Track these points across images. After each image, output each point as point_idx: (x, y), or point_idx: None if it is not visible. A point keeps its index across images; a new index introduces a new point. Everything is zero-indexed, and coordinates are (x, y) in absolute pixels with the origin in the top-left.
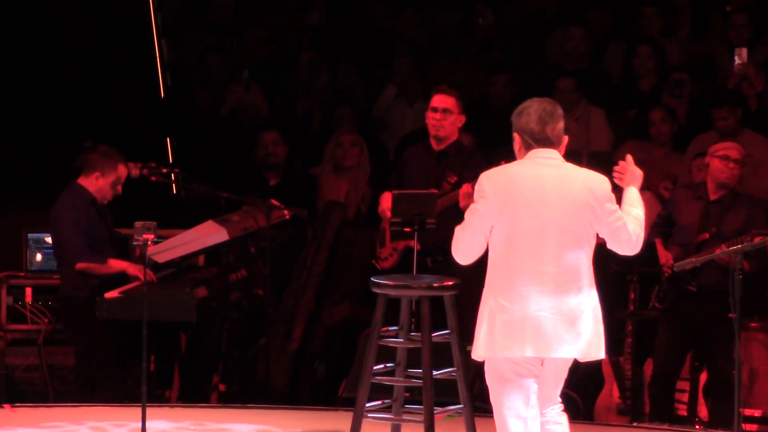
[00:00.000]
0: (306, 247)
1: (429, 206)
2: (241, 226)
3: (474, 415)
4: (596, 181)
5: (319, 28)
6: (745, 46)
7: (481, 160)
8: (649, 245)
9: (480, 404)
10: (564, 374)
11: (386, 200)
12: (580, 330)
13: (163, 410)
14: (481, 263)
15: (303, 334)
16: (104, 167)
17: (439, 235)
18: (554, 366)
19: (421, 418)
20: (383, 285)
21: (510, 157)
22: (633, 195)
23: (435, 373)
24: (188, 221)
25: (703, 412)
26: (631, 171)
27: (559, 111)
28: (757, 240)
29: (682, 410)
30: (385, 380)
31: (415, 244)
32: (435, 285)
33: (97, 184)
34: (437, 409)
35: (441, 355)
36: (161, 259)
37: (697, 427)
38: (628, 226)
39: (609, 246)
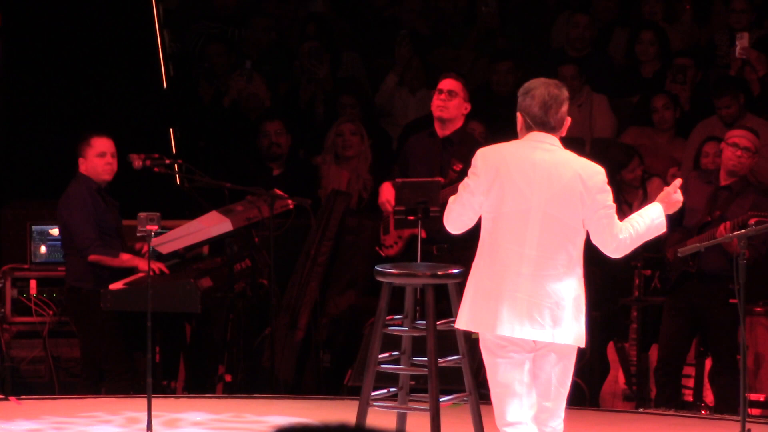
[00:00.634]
0: (310, 236)
1: (433, 194)
2: (245, 216)
3: (480, 402)
4: (590, 170)
5: (321, 17)
6: (746, 31)
7: None
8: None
9: (485, 392)
10: (565, 381)
11: (385, 191)
12: (557, 316)
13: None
14: None
15: (308, 323)
16: (83, 148)
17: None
18: (551, 365)
19: (426, 406)
20: (388, 273)
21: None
22: (653, 211)
23: (440, 361)
24: (192, 212)
25: (708, 397)
26: (672, 195)
27: (565, 94)
28: (751, 222)
29: (688, 395)
30: (391, 369)
31: (419, 232)
32: (439, 273)
33: (87, 166)
34: (443, 397)
35: (446, 342)
36: (165, 250)
37: (703, 412)
38: (616, 228)
39: (591, 238)
